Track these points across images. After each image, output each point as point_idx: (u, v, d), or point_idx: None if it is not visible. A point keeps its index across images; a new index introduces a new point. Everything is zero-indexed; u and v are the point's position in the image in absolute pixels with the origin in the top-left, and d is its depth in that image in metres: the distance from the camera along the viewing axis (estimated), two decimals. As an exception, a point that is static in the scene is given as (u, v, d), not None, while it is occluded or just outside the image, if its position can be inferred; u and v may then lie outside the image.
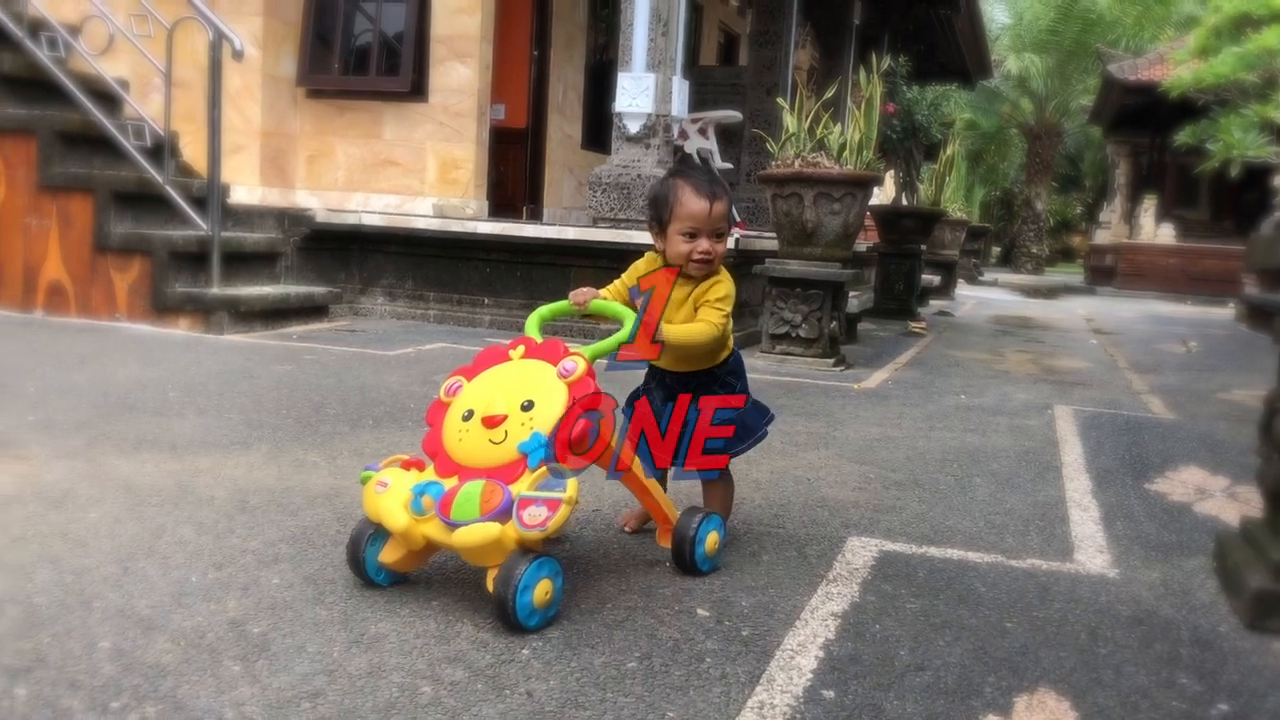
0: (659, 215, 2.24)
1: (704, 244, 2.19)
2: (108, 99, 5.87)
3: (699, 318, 2.21)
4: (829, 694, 1.65)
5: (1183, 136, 16.34)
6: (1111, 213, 23.73)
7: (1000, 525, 2.67)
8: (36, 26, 5.79)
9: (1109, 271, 20.21)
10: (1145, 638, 1.96)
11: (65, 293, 5.51)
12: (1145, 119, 19.99)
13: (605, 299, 2.20)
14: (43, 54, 5.67)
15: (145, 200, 5.57)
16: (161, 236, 5.41)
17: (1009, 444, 3.71)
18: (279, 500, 2.50)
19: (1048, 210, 27.49)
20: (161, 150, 5.61)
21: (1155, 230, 20.20)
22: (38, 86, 5.68)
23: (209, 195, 5.53)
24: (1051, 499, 2.98)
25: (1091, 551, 2.49)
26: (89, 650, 1.63)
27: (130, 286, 5.41)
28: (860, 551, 2.38)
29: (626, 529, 2.42)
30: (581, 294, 2.19)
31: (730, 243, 6.02)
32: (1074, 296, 16.04)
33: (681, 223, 2.19)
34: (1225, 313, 12.71)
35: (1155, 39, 22.76)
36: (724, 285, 2.24)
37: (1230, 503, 3.05)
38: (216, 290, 5.47)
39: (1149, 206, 20.65)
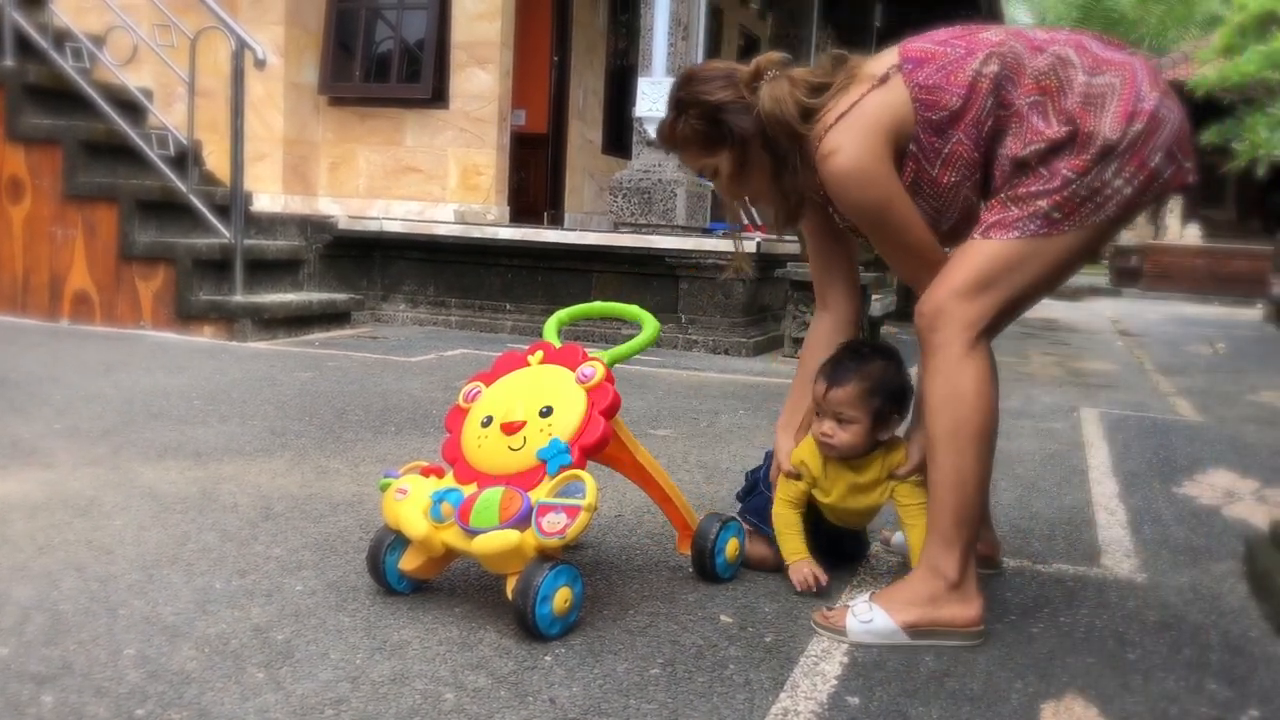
0: None
1: (825, 425, 2.06)
2: (132, 109, 5.91)
3: (902, 499, 2.11)
4: (853, 700, 1.63)
5: (1208, 136, 16.21)
6: (1136, 213, 23.52)
7: (1025, 529, 2.65)
8: (61, 37, 5.84)
9: (1134, 273, 20.02)
10: (1174, 643, 1.94)
11: (91, 301, 5.56)
12: (1170, 119, 19.81)
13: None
14: (67, 65, 5.71)
15: (169, 209, 5.61)
16: (185, 245, 5.44)
17: (1034, 447, 3.68)
18: (302, 507, 2.51)
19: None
20: (185, 159, 5.65)
21: (1181, 231, 20.01)
22: (63, 97, 5.73)
23: (232, 203, 5.56)
24: (1078, 503, 2.95)
25: (1119, 556, 2.47)
26: (114, 657, 1.64)
27: (155, 295, 5.45)
28: (885, 556, 2.36)
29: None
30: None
31: (751, 246, 6.01)
32: (1099, 298, 15.91)
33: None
34: (1253, 314, 12.58)
35: (1179, 39, 22.61)
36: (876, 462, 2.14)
37: (1260, 506, 3.01)
38: (240, 298, 5.50)
39: (1174, 207, 20.45)
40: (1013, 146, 1.89)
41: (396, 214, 7.26)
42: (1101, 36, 1.98)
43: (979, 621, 1.88)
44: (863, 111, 1.90)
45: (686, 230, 6.43)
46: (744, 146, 2.01)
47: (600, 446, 1.89)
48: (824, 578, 2.09)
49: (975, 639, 1.87)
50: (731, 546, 2.12)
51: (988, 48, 1.91)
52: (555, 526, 1.75)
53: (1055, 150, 1.85)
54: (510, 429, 1.90)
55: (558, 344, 2.08)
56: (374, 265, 6.85)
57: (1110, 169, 1.83)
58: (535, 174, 9.36)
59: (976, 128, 1.89)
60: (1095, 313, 12.25)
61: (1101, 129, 1.82)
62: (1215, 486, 3.23)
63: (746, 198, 2.16)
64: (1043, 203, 1.85)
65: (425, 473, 1.97)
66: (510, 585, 1.78)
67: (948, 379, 1.88)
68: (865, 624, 1.86)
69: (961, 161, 1.92)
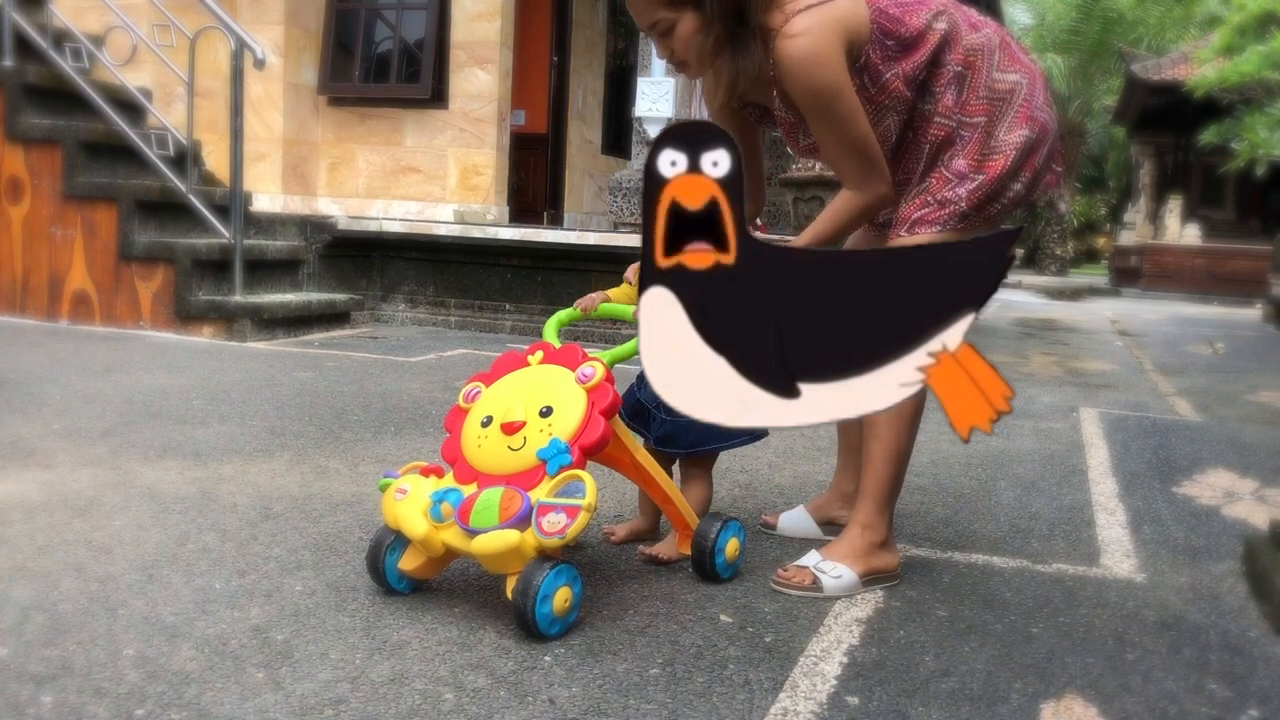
0: None
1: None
2: (131, 109, 5.91)
3: None
4: (853, 700, 1.63)
5: (1207, 136, 16.22)
6: (1136, 214, 23.54)
7: (1025, 529, 2.65)
8: (60, 37, 5.84)
9: (1134, 273, 20.05)
10: (1173, 643, 1.94)
11: (90, 301, 5.56)
12: (1169, 119, 19.84)
13: (613, 301, 2.20)
14: (67, 65, 5.71)
15: (169, 209, 5.61)
16: (185, 245, 5.44)
17: (1034, 447, 3.68)
18: (301, 507, 2.51)
19: (1071, 211, 27.33)
20: (185, 159, 5.65)
21: (1180, 231, 20.03)
22: (62, 97, 5.73)
23: (231, 203, 5.56)
24: (1077, 503, 2.95)
25: (1118, 556, 2.47)
26: (114, 658, 1.64)
27: (154, 295, 5.45)
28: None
29: (613, 540, 2.33)
30: (589, 300, 2.22)
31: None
32: (1099, 298, 15.94)
33: None
34: (1252, 314, 12.59)
35: (1178, 38, 22.59)
36: None
37: (1259, 506, 3.01)
38: (239, 298, 5.50)
39: (1174, 207, 20.48)
40: (934, 107, 2.13)
41: (396, 214, 7.27)
42: (1014, 39, 2.22)
43: (899, 567, 2.20)
44: (834, 7, 2.03)
45: (686, 230, 6.42)
46: (713, 6, 2.02)
47: (600, 446, 1.89)
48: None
49: (897, 579, 2.18)
50: (731, 546, 2.12)
51: (938, 5, 2.13)
52: (555, 526, 1.75)
53: (949, 142, 2.13)
54: (510, 429, 1.89)
55: (557, 344, 2.08)
56: (373, 265, 6.85)
57: (1013, 173, 2.12)
58: (535, 174, 9.36)
59: (914, 70, 2.10)
60: (1095, 313, 12.26)
61: (998, 133, 2.11)
62: (1215, 486, 3.23)
63: (681, 65, 2.14)
64: (963, 205, 2.12)
65: (425, 473, 1.97)
66: (510, 585, 1.78)
67: None
68: (837, 579, 2.09)
69: (896, 95, 2.12)
